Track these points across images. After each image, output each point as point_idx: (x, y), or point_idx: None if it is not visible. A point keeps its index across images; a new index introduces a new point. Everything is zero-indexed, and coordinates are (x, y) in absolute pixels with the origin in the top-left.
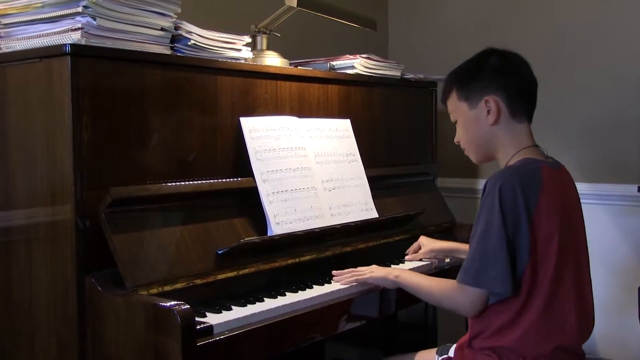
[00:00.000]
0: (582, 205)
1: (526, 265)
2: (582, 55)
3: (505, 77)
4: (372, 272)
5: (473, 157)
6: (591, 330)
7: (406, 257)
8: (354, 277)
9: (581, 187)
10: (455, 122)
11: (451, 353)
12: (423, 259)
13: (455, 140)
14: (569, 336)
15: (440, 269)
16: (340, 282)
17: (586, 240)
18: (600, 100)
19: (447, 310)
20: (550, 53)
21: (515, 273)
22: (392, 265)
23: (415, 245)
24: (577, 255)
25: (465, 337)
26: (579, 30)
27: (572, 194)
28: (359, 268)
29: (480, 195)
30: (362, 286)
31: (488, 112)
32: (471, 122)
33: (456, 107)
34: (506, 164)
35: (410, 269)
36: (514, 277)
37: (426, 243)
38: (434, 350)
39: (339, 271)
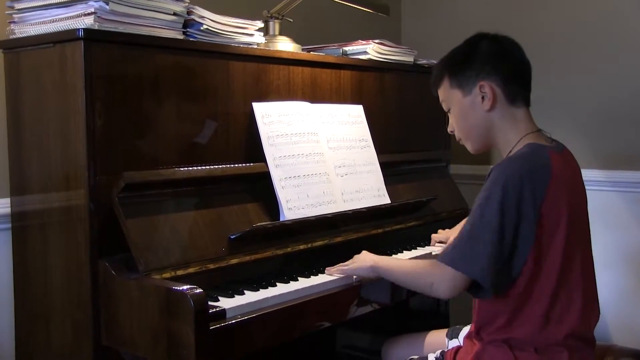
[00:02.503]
0: (595, 191)
1: (528, 257)
2: (595, 41)
3: (499, 61)
4: (355, 262)
5: (470, 147)
6: (599, 314)
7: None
8: (339, 268)
9: (594, 174)
10: (449, 110)
11: (461, 336)
12: (437, 245)
13: (449, 129)
14: (577, 323)
15: None
16: (327, 273)
17: (588, 221)
18: (616, 87)
19: (420, 290)
20: (565, 39)
21: (509, 270)
22: (405, 251)
23: (442, 236)
24: (584, 241)
25: (473, 327)
26: (592, 16)
27: (577, 179)
28: (348, 261)
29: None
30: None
31: (483, 98)
32: (466, 109)
33: (449, 96)
34: (510, 151)
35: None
36: (507, 273)
37: (452, 234)
38: (444, 331)
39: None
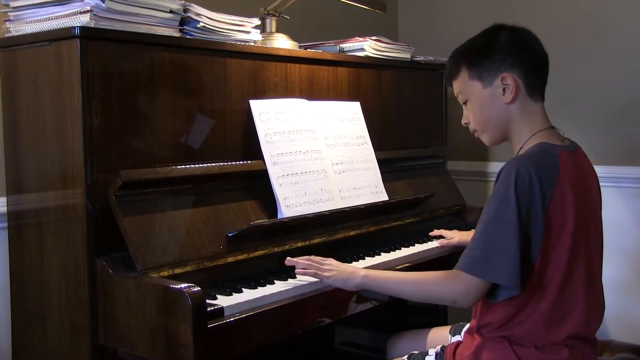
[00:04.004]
0: None
1: (537, 257)
2: (596, 37)
3: (521, 52)
4: (332, 271)
5: (486, 139)
6: (602, 315)
7: (438, 242)
8: (313, 271)
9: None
10: (464, 103)
11: (463, 332)
12: (435, 241)
13: (463, 121)
14: (580, 323)
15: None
16: (296, 271)
17: (601, 224)
18: (616, 83)
19: (438, 303)
20: (563, 35)
21: (524, 266)
22: (402, 248)
23: (446, 233)
24: (588, 241)
25: (473, 323)
26: (593, 13)
27: (589, 177)
28: (318, 259)
29: (492, 180)
30: None
31: (504, 90)
32: (486, 101)
33: (467, 87)
34: (521, 147)
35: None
36: (523, 270)
37: (457, 235)
38: (447, 328)
39: (294, 258)
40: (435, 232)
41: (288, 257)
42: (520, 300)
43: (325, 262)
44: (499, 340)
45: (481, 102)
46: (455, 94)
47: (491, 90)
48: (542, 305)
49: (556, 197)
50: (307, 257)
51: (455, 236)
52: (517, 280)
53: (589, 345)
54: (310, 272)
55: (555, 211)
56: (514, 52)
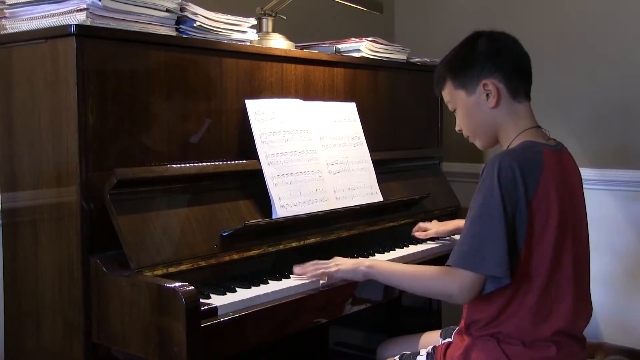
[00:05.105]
0: (588, 190)
1: (521, 249)
2: (588, 39)
3: (499, 57)
4: (339, 264)
5: (479, 144)
6: (590, 314)
7: (415, 233)
8: (320, 271)
9: (587, 173)
10: (454, 110)
11: (454, 334)
12: (429, 242)
13: (457, 128)
14: (566, 320)
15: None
16: (306, 276)
17: (587, 223)
18: (607, 86)
19: (435, 297)
20: (556, 37)
21: (512, 257)
22: (397, 249)
23: (424, 225)
24: (575, 239)
25: (462, 323)
26: (585, 14)
27: (573, 177)
28: (322, 261)
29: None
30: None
31: (487, 95)
32: (472, 108)
33: (454, 97)
34: (508, 146)
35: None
36: (512, 261)
37: (435, 226)
38: (438, 332)
39: (300, 265)
40: (416, 228)
41: (295, 268)
42: (506, 294)
43: (329, 261)
44: (488, 339)
45: (468, 109)
46: (446, 103)
47: (475, 97)
48: (529, 299)
49: (540, 192)
50: (312, 262)
51: (432, 227)
52: (507, 269)
53: (577, 343)
54: (318, 274)
55: (538, 206)
56: (493, 58)
